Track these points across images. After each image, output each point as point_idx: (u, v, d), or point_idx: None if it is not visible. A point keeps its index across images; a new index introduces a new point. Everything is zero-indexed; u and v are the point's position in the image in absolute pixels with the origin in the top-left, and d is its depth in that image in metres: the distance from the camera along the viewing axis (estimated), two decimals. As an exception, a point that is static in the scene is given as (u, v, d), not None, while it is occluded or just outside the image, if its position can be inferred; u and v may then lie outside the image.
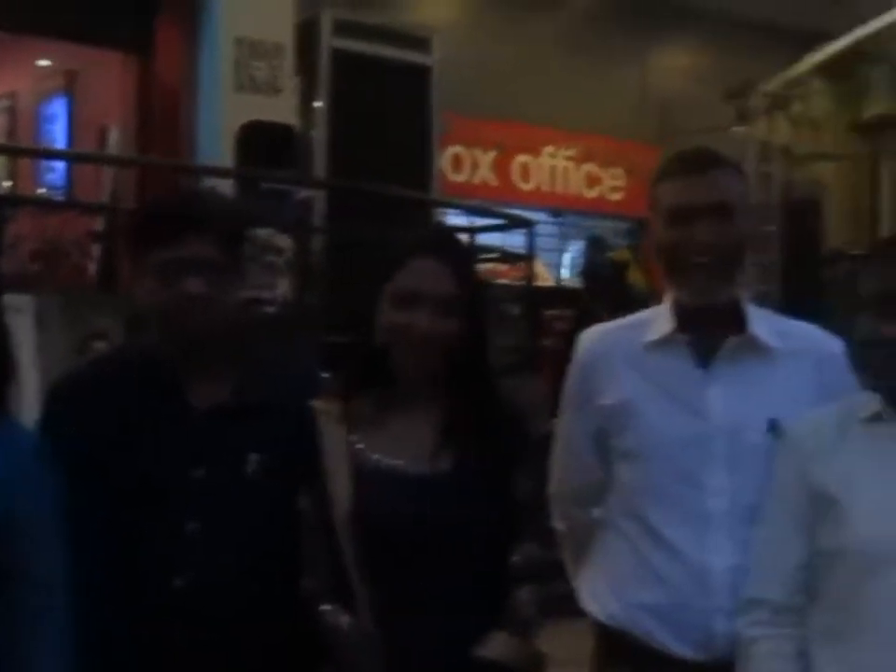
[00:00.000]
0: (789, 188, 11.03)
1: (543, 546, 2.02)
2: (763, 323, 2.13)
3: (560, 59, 11.17)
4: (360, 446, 1.93)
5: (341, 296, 5.55)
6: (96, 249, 6.53)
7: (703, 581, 2.02)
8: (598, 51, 11.58)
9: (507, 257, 8.42)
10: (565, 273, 11.65)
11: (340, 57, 8.06)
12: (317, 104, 8.04)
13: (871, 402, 1.86)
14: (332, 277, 6.55)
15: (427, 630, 1.85)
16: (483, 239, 7.92)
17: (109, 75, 8.13)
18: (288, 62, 7.53)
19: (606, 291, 8.80)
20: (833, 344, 2.12)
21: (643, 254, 9.64)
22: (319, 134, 7.98)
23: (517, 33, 10.84)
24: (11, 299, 4.35)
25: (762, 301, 9.11)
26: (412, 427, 1.94)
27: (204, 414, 1.99)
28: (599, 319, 2.58)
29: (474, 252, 6.33)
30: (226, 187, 5.88)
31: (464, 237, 7.05)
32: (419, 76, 8.43)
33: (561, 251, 11.75)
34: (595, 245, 9.85)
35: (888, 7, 10.33)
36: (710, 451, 2.06)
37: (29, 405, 2.13)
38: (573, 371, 2.28)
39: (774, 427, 2.02)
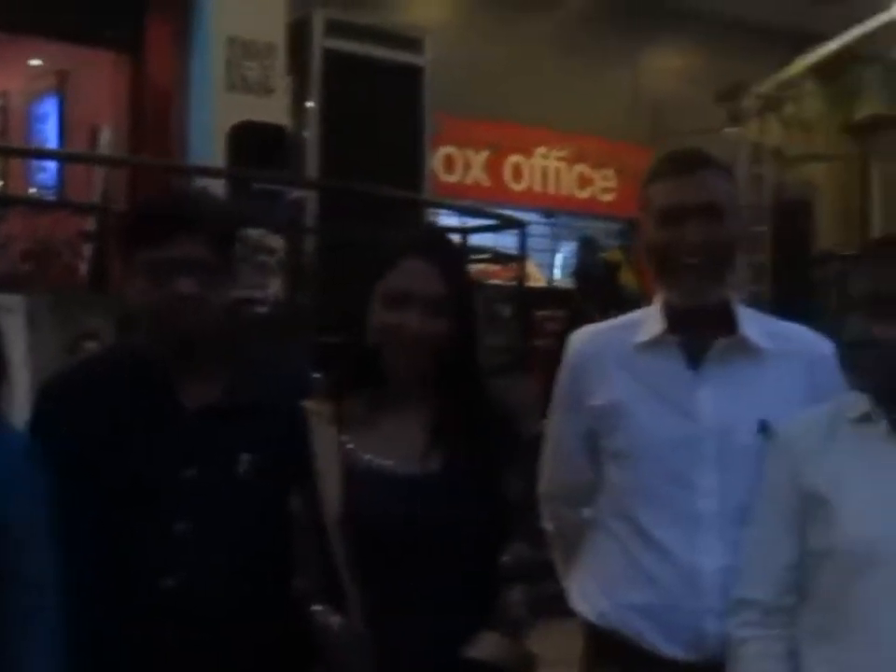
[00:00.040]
0: (780, 189, 11.08)
1: (533, 546, 2.02)
2: (753, 324, 2.13)
3: (552, 60, 11.17)
4: (351, 446, 1.93)
5: (332, 296, 5.56)
6: (87, 249, 6.53)
7: (693, 582, 2.01)
8: (591, 52, 11.59)
9: (499, 257, 8.44)
10: (556, 273, 11.65)
11: (332, 57, 8.06)
12: (309, 104, 8.05)
13: (860, 403, 1.86)
14: (324, 277, 6.55)
15: (418, 630, 1.85)
16: (476, 239, 7.96)
17: (101, 74, 8.14)
18: (280, 62, 7.55)
19: (598, 292, 8.82)
20: (823, 346, 2.11)
21: (634, 255, 9.65)
22: (311, 135, 7.99)
23: (509, 33, 10.84)
24: (2, 299, 4.37)
25: (753, 301, 9.17)
26: (402, 428, 1.94)
27: (195, 414, 1.98)
28: (591, 320, 2.58)
29: (465, 252, 6.33)
30: (217, 187, 5.86)
31: (456, 237, 7.06)
32: (411, 76, 8.44)
33: (553, 252, 11.75)
34: (587, 245, 9.87)
35: (879, 9, 10.38)
36: (700, 452, 2.05)
37: (20, 405, 2.13)
38: (564, 372, 2.28)
39: (764, 429, 2.02)
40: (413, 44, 8.51)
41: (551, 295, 9.81)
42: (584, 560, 2.23)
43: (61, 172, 8.39)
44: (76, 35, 7.61)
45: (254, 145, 6.81)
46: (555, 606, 2.19)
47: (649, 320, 2.17)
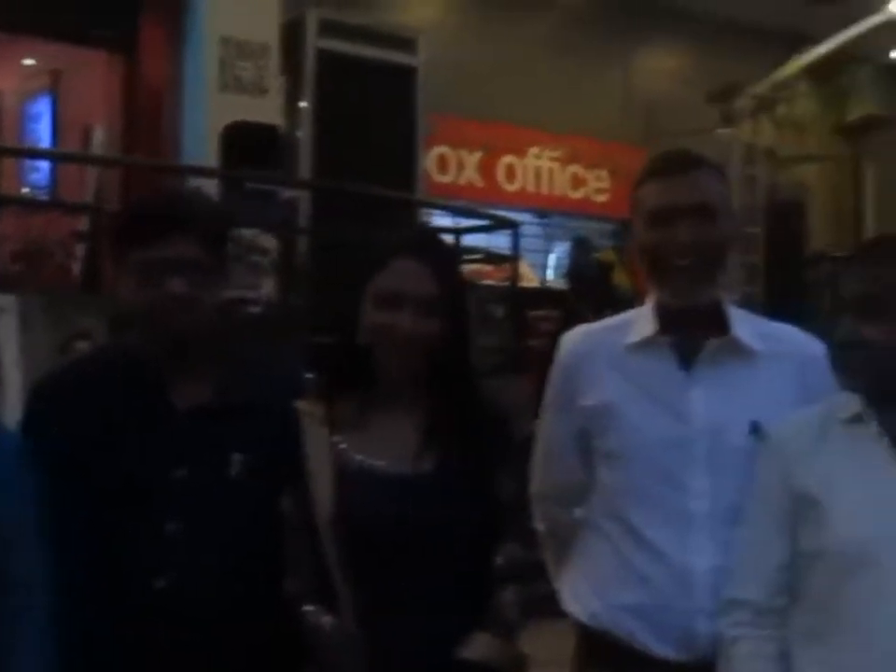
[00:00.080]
0: (773, 190, 11.11)
1: (526, 547, 2.02)
2: (745, 325, 2.13)
3: (546, 60, 11.19)
4: (343, 447, 1.92)
5: (325, 296, 5.56)
6: (80, 249, 6.52)
7: (685, 582, 2.02)
8: (584, 53, 11.61)
9: (492, 257, 8.44)
10: (550, 273, 11.66)
11: (325, 57, 8.07)
12: (302, 104, 8.05)
13: (851, 404, 1.86)
14: (317, 278, 6.56)
15: (410, 630, 1.85)
16: (469, 240, 7.95)
17: (94, 74, 8.14)
18: (274, 62, 7.56)
19: (591, 292, 8.83)
20: (815, 347, 2.12)
21: (628, 255, 9.66)
22: (304, 135, 7.99)
23: (502, 34, 10.85)
24: (-4, 299, 4.37)
25: (746, 301, 9.20)
26: (394, 428, 1.94)
27: (187, 415, 1.98)
28: (585, 320, 2.58)
29: (458, 252, 6.34)
30: (211, 187, 5.88)
31: (449, 238, 7.06)
32: (404, 76, 8.45)
33: (546, 252, 11.76)
34: (581, 246, 9.88)
35: (872, 11, 10.42)
36: (692, 453, 2.06)
37: (13, 405, 2.13)
38: (555, 373, 2.28)
39: (756, 430, 2.02)
40: (406, 44, 8.52)
41: (544, 295, 9.80)
42: (576, 560, 2.23)
43: (54, 171, 8.37)
44: (70, 34, 7.61)
45: (247, 145, 6.81)
46: (547, 606, 2.20)
47: (640, 321, 2.17)
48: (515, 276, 7.92)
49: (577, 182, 12.22)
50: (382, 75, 8.24)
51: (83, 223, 6.76)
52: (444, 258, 2.05)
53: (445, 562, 1.88)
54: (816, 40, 11.06)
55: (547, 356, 2.34)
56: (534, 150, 11.87)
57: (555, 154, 11.98)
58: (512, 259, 7.85)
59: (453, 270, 2.07)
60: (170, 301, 1.92)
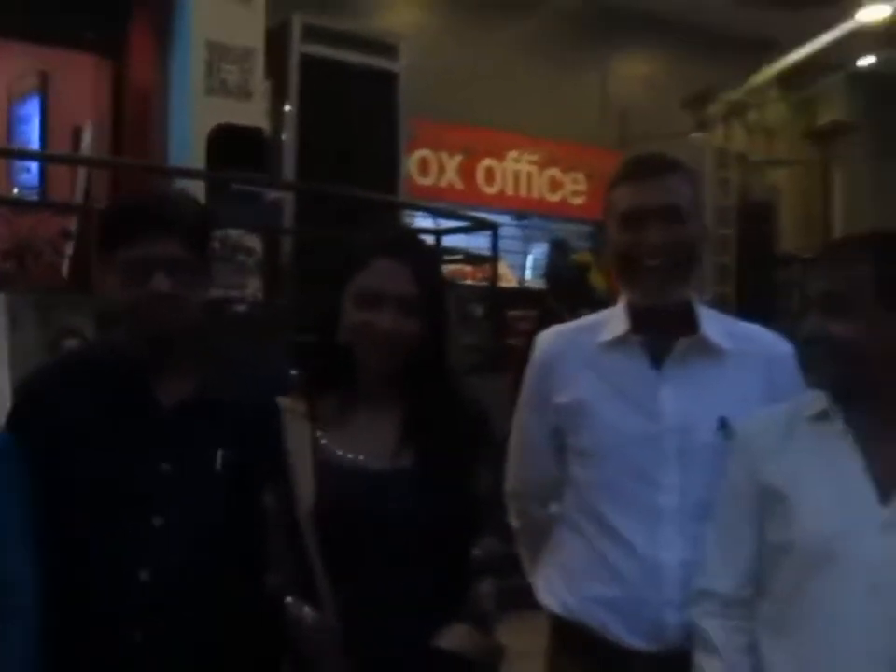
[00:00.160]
0: (745, 192, 11.22)
1: (503, 540, 2.04)
2: (714, 324, 2.15)
3: (524, 66, 11.25)
4: (325, 442, 1.94)
5: (310, 296, 5.64)
6: (69, 248, 6.53)
7: (655, 576, 2.05)
8: (562, 59, 11.65)
9: (471, 258, 8.49)
10: (528, 274, 11.68)
11: (309, 62, 8.09)
12: (287, 107, 8.08)
13: (817, 401, 1.88)
14: (301, 277, 6.60)
15: (388, 623, 1.86)
16: (449, 241, 8.00)
17: (83, 77, 8.10)
18: (259, 66, 7.54)
19: (568, 292, 8.86)
20: (783, 346, 2.15)
21: (603, 257, 9.76)
22: (289, 138, 8.02)
23: (482, 41, 10.91)
24: (-16, 298, 4.44)
25: (718, 301, 9.34)
26: (374, 424, 1.95)
27: (171, 410, 1.98)
28: (561, 320, 2.58)
29: (437, 252, 6.43)
30: (197, 188, 5.92)
31: (430, 239, 7.16)
32: (386, 81, 8.47)
33: (524, 253, 11.79)
34: (558, 247, 9.84)
35: (843, 18, 10.56)
36: (662, 449, 2.08)
37: (3, 402, 2.14)
38: (530, 371, 2.29)
39: (724, 426, 2.05)
40: (388, 50, 8.53)
41: (522, 295, 9.81)
42: (550, 555, 2.26)
43: (43, 172, 8.36)
44: (58, 38, 7.57)
45: (233, 147, 6.86)
46: (524, 599, 2.24)
47: (613, 320, 2.19)
48: (494, 277, 7.94)
49: (554, 185, 12.26)
50: (364, 79, 8.26)
51: (72, 223, 6.73)
52: (424, 258, 2.05)
53: (423, 556, 1.88)
54: (786, 48, 11.18)
55: (525, 354, 2.35)
56: (513, 154, 11.92)
57: (534, 157, 12.04)
58: (492, 259, 7.87)
59: (432, 270, 2.07)
60: (155, 300, 1.92)
